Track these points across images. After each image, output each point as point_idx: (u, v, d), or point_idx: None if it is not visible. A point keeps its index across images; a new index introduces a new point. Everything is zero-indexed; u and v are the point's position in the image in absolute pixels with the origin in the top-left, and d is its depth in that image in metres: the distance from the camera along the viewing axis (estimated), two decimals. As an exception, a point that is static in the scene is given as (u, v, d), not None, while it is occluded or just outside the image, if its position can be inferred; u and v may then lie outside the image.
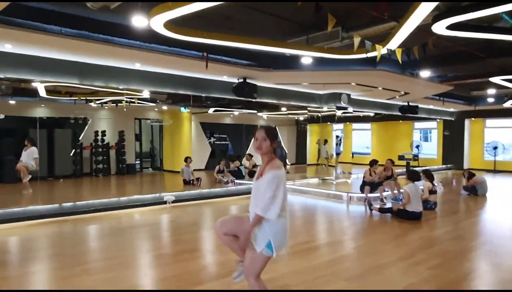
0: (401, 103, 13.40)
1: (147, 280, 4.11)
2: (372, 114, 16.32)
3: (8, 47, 5.97)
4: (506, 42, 6.09)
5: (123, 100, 10.93)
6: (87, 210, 7.08)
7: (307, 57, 6.80)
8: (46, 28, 5.12)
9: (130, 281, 4.00)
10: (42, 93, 9.85)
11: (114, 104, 11.86)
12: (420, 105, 13.99)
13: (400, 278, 4.09)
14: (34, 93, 9.96)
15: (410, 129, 18.88)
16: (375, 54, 5.68)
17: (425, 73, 8.11)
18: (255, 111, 15.37)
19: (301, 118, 19.06)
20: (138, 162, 16.05)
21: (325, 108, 12.98)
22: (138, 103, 11.75)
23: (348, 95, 11.16)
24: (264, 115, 17.26)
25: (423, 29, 4.97)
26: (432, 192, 7.81)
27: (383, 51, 5.30)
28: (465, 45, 6.71)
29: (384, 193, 8.67)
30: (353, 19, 5.54)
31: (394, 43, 5.14)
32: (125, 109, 13.57)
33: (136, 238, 5.82)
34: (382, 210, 7.32)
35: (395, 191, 8.59)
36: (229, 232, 2.91)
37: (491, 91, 10.99)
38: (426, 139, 20.56)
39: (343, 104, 11.11)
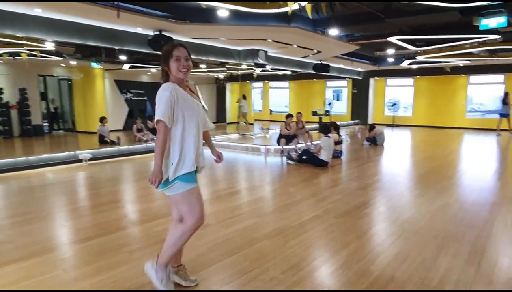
0: (314, 62, 14.14)
1: (64, 230, 4.08)
2: (289, 73, 17.00)
3: None
4: (402, 4, 6.80)
5: (23, 52, 9.85)
6: (-11, 171, 6.52)
7: (223, 9, 6.81)
8: None
9: (46, 232, 3.94)
10: None
11: (12, 57, 10.62)
12: (331, 64, 14.93)
13: (306, 211, 4.64)
14: None
15: (323, 88, 20.12)
16: (288, 10, 5.96)
17: (333, 32, 8.67)
18: (174, 68, 14.99)
19: (221, 76, 19.08)
20: (47, 123, 14.80)
21: (244, 66, 13.20)
22: (41, 56, 10.68)
23: (266, 52, 11.45)
24: (183, 72, 16.91)
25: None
26: (338, 142, 8.65)
27: (295, 6, 5.55)
28: (368, 6, 7.31)
29: (298, 145, 9.35)
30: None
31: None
32: (26, 64, 12.26)
33: (49, 195, 5.60)
34: (299, 160, 7.96)
35: (308, 143, 9.32)
36: None
37: (391, 51, 12.15)
38: (338, 98, 22.09)
39: (260, 61, 11.39)
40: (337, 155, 8.52)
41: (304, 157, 7.81)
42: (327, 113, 14.41)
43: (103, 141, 10.70)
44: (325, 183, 6.31)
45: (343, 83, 19.84)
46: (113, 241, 3.67)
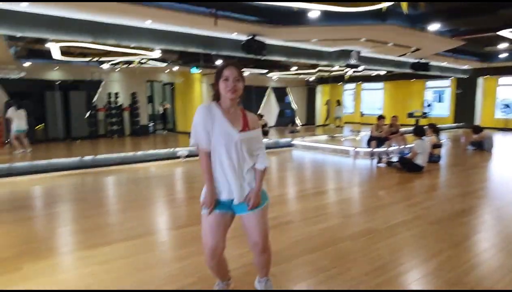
0: (412, 60, 13.25)
1: (163, 217, 4.53)
2: (383, 73, 16.22)
3: (23, 6, 6.19)
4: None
5: (134, 60, 11.13)
6: (106, 163, 7.53)
7: (314, 10, 6.83)
8: (59, -14, 5.31)
9: (147, 218, 4.42)
10: (57, 54, 10.12)
11: (126, 65, 12.08)
12: (433, 63, 13.82)
13: (395, 215, 4.41)
14: (49, 54, 10.24)
15: (422, 88, 18.70)
16: (382, 6, 5.73)
17: (434, 27, 8.04)
18: (266, 71, 15.42)
19: (312, 78, 19.02)
20: (152, 123, 16.47)
21: (335, 68, 12.99)
22: (149, 64, 11.95)
23: (358, 52, 11.11)
24: (275, 75, 17.28)
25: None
26: (437, 145, 7.99)
27: (388, 3, 5.32)
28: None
29: (391, 148, 8.88)
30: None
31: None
32: (137, 71, 13.82)
33: (151, 186, 6.25)
34: (389, 163, 7.59)
35: (402, 146, 8.80)
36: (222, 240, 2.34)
37: (503, 45, 10.78)
38: (440, 100, 20.35)
39: (353, 62, 11.10)
40: (434, 159, 7.88)
41: (396, 161, 7.40)
42: (424, 115, 13.37)
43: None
44: (418, 188, 5.89)
45: (446, 82, 18.17)
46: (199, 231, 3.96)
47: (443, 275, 2.86)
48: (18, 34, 6.90)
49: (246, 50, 8.58)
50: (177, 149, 8.63)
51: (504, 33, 8.09)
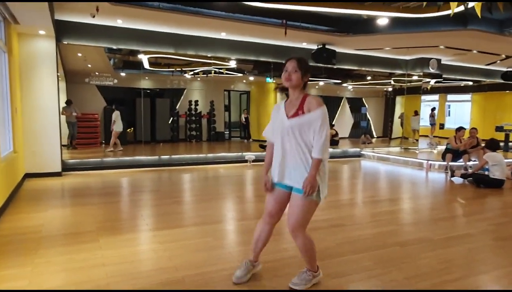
0: (504, 69, 12.13)
1: (222, 211, 4.88)
2: (471, 84, 15.01)
3: (119, 22, 7.16)
4: None
5: (212, 70, 11.94)
6: (180, 162, 8.24)
7: (383, 18, 6.76)
8: (147, 4, 6.08)
9: (211, 210, 4.80)
10: (146, 65, 11.34)
11: (205, 75, 12.99)
12: (529, 72, 12.48)
13: (457, 228, 4.18)
14: (139, 65, 11.52)
15: (518, 101, 16.83)
16: (462, 10, 5.50)
17: (523, 31, 7.36)
18: (340, 81, 15.31)
19: (389, 89, 18.31)
20: (227, 131, 17.31)
21: (414, 77, 12.43)
22: (226, 73, 12.72)
23: (438, 61, 10.55)
24: (349, 85, 17.03)
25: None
26: (524, 161, 7.24)
27: (459, 8, 5.10)
28: None
29: (469, 163, 8.25)
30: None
31: (472, -4, 4.92)
32: (210, 80, 14.73)
33: (218, 184, 6.71)
34: (464, 176, 7.09)
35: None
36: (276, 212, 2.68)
37: None
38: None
39: (431, 70, 10.57)
40: (521, 177, 7.14)
41: (470, 176, 6.88)
42: (516, 129, 12.07)
43: (262, 147, 11.88)
44: (491, 204, 5.45)
45: (549, 95, 16.12)
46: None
47: (490, 288, 2.71)
48: (115, 47, 7.97)
49: (315, 59, 8.74)
50: (245, 153, 9.06)
51: None
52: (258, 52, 8.91)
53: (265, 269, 2.95)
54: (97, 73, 9.56)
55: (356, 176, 8.16)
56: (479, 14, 5.46)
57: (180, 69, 12.24)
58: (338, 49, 9.01)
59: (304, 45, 8.92)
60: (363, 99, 19.57)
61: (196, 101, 15.61)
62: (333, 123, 14.51)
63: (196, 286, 2.69)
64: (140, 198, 5.55)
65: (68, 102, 10.33)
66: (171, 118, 15.09)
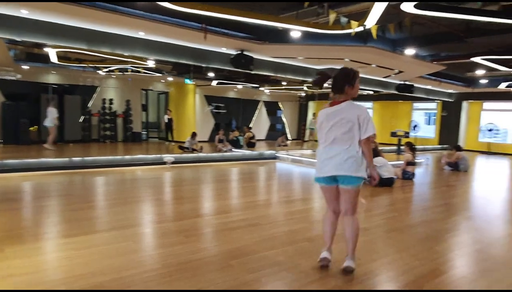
0: (398, 82, 13.79)
1: (141, 214, 4.84)
2: (372, 93, 16.74)
3: (24, 13, 6.59)
4: (481, 23, 6.53)
5: (129, 68, 11.55)
6: (94, 165, 7.86)
7: (295, 31, 7.29)
8: (57, -4, 5.72)
9: (127, 214, 4.74)
10: (54, 59, 10.52)
11: (121, 73, 12.49)
12: (418, 85, 14.37)
13: (356, 223, 4.75)
14: (45, 58, 10.64)
15: (409, 109, 19.27)
16: (360, 30, 6.20)
17: (410, 51, 8.55)
18: (257, 86, 15.91)
19: (303, 94, 19.55)
20: (145, 131, 16.78)
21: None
22: (143, 72, 12.38)
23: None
24: (266, 90, 17.78)
25: (397, 7, 5.45)
26: (411, 163, 8.39)
27: (358, 28, 5.79)
28: (446, 25, 7.14)
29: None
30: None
31: (370, 20, 5.63)
32: (129, 79, 14.19)
33: (135, 187, 6.57)
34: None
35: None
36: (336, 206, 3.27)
37: (480, 72, 11.34)
38: (429, 122, 20.86)
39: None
40: (408, 176, 8.28)
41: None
42: (406, 134, 13.85)
43: (182, 148, 11.85)
44: (384, 201, 6.27)
45: (433, 105, 18.76)
46: (177, 226, 4.29)
47: (380, 274, 3.21)
48: (18, 39, 7.30)
49: (234, 64, 9.02)
50: (164, 155, 8.97)
51: (477, 59, 8.60)
52: (177, 53, 8.88)
53: (185, 269, 3.08)
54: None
55: (272, 177, 8.63)
56: (374, 35, 6.27)
57: (93, 65, 11.58)
58: (255, 56, 9.42)
59: (224, 50, 9.14)
60: (279, 103, 20.55)
61: (111, 100, 14.89)
62: (250, 126, 15.02)
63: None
64: (50, 203, 5.21)
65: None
66: (83, 117, 14.17)
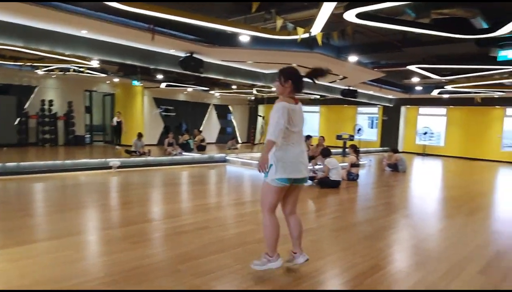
0: (342, 87, 14.42)
1: (85, 221, 4.62)
2: (319, 97, 17.34)
3: (-51, 5, 6.03)
4: (415, 34, 7.04)
5: (71, 68, 10.96)
6: (31, 170, 7.35)
7: (244, 35, 7.38)
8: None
9: (70, 221, 4.50)
10: (-15, 56, 9.72)
11: (62, 72, 11.82)
12: (361, 91, 15.13)
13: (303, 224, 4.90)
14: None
15: (354, 113, 20.21)
16: (306, 36, 6.42)
17: (353, 58, 9.00)
18: (207, 89, 15.83)
19: (252, 98, 19.76)
20: (89, 135, 16.00)
21: (273, 89, 13.72)
22: (87, 73, 11.81)
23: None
24: (217, 93, 17.74)
25: (340, 16, 5.72)
26: (355, 165, 8.82)
27: (304, 35, 6.00)
28: (385, 35, 7.60)
29: (317, 166, 9.60)
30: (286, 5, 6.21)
31: (316, 28, 5.86)
32: (69, 79, 13.47)
33: (78, 193, 6.25)
34: (311, 178, 8.22)
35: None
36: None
37: (416, 79, 12.22)
38: (373, 125, 21.99)
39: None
40: (352, 178, 8.68)
41: (314, 180, 8.05)
42: (351, 137, 14.53)
43: (129, 152, 11.48)
44: (330, 202, 6.53)
45: (375, 109, 19.84)
46: (123, 233, 4.15)
47: (326, 272, 3.35)
48: None
49: (183, 67, 8.92)
50: (109, 159, 8.62)
51: (412, 68, 9.25)
52: (124, 54, 8.59)
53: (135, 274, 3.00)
54: None
55: (222, 180, 8.63)
56: (319, 42, 6.53)
57: (30, 64, 10.85)
58: (205, 59, 9.38)
59: (172, 52, 9.01)
60: (229, 106, 20.60)
61: (51, 101, 14.03)
62: (200, 129, 14.89)
63: (56, 302, 2.58)
64: (-21, 212, 4.81)
65: None
66: (19, 119, 13.20)
